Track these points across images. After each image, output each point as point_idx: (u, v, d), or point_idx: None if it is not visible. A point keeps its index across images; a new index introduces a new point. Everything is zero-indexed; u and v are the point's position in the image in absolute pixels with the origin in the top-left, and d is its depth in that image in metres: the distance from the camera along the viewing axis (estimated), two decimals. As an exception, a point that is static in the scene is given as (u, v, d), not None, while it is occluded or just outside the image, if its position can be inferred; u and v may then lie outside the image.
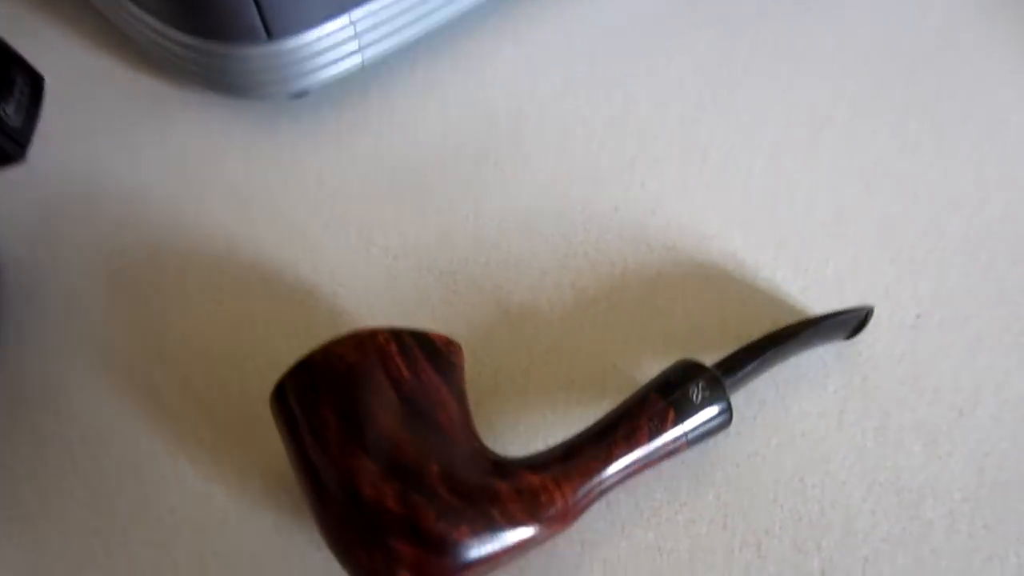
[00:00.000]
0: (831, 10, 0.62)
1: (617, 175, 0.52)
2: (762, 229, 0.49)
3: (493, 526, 0.33)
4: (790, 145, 0.53)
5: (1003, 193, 0.50)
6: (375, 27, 0.53)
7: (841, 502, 0.39)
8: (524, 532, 0.34)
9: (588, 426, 0.38)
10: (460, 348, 0.40)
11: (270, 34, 0.49)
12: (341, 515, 0.33)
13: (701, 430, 0.37)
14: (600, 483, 0.36)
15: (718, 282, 0.47)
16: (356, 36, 0.52)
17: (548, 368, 0.44)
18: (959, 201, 0.50)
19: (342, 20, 0.51)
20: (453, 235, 0.50)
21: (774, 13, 0.61)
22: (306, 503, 0.35)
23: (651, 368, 0.44)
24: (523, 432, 0.42)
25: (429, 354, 0.38)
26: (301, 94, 0.55)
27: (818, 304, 0.46)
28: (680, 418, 0.37)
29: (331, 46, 0.52)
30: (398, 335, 0.38)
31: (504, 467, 0.36)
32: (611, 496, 0.40)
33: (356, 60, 0.54)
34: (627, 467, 0.36)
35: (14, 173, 0.50)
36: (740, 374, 0.40)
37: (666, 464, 0.40)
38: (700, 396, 0.37)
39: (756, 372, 0.41)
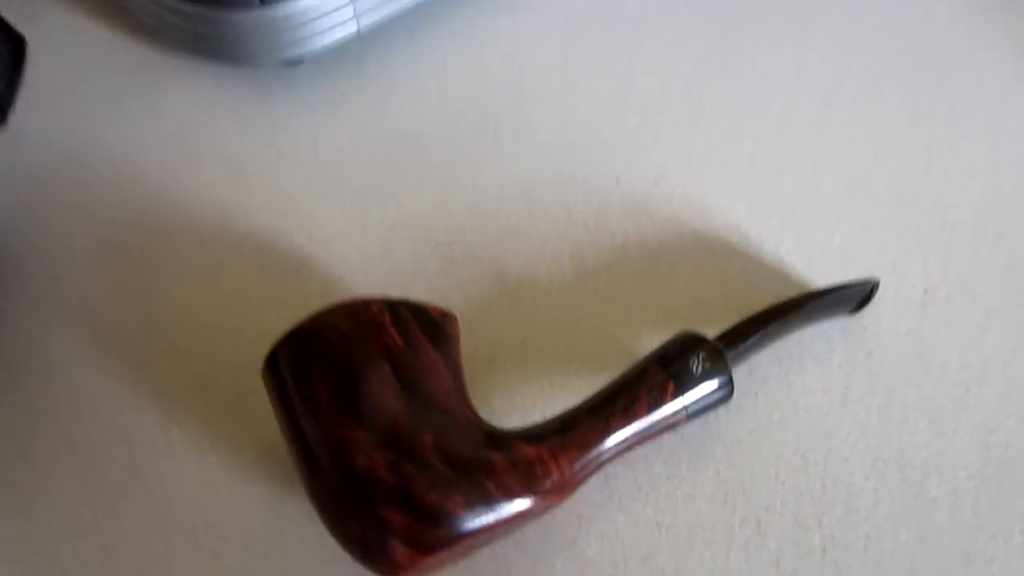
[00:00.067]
0: (840, -21, 0.60)
1: (619, 145, 0.51)
2: (767, 200, 0.48)
3: (487, 498, 0.32)
4: (797, 115, 0.52)
5: (1016, 166, 0.49)
6: (372, -8, 0.51)
7: (843, 479, 0.39)
8: (519, 504, 0.33)
9: (586, 398, 0.37)
10: (456, 319, 0.39)
11: (263, -2, 0.48)
12: (333, 485, 0.33)
13: (701, 403, 0.37)
14: (598, 456, 0.35)
15: (721, 254, 0.46)
16: (352, 2, 0.51)
17: (546, 340, 0.44)
18: (970, 174, 0.49)
19: (338, -16, 0.50)
20: (450, 205, 0.49)
21: (782, -18, 0.60)
22: (298, 474, 0.35)
23: (651, 341, 0.43)
24: (520, 404, 0.42)
25: (424, 325, 0.37)
26: (296, 62, 0.54)
27: (823, 278, 0.45)
28: (680, 391, 0.36)
29: (326, 12, 0.50)
30: (392, 305, 0.37)
31: (500, 439, 0.35)
32: (609, 470, 0.39)
33: (352, 28, 0.52)
34: (625, 440, 0.35)
35: (-1, 140, 0.49)
36: (742, 347, 0.39)
37: (665, 438, 0.39)
38: (701, 368, 0.37)
39: (758, 346, 0.40)
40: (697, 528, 0.38)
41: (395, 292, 0.45)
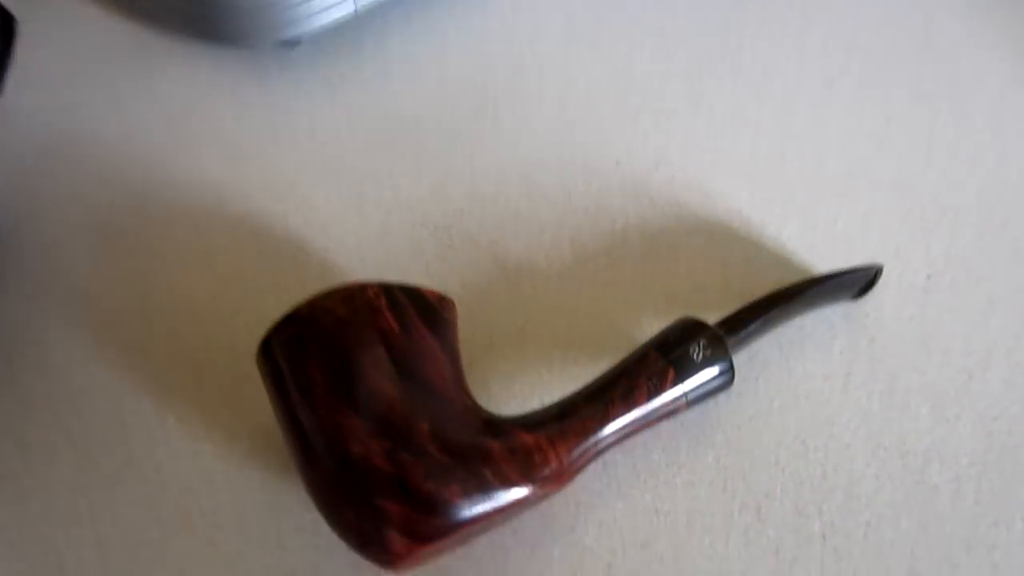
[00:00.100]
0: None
1: (620, 128, 0.50)
2: (769, 185, 0.47)
3: (485, 486, 0.32)
4: (800, 99, 0.51)
5: (1021, 151, 0.49)
6: (369, -28, 0.51)
7: (844, 466, 0.38)
8: (517, 492, 0.33)
9: (585, 385, 0.36)
10: (453, 304, 0.38)
11: (259, -23, 0.47)
12: (328, 473, 0.32)
13: (701, 390, 0.36)
14: (596, 443, 0.35)
15: (722, 239, 0.46)
16: (349, -19, 0.50)
17: (545, 326, 0.43)
18: (975, 158, 0.48)
19: (334, -37, 0.49)
20: (449, 189, 0.48)
21: (786, -39, 0.59)
22: (293, 461, 0.34)
23: (651, 327, 0.42)
24: (518, 391, 0.41)
25: (421, 310, 0.37)
26: (292, 43, 0.53)
27: (825, 263, 0.44)
28: (680, 377, 0.36)
29: (323, -9, 0.50)
30: (388, 290, 0.36)
31: (497, 426, 0.34)
32: (608, 457, 0.39)
33: (349, 7, 0.51)
34: (624, 427, 0.35)
35: (-8, 121, 0.49)
36: (743, 333, 0.38)
37: (665, 425, 0.39)
38: (701, 355, 0.36)
39: (759, 332, 0.40)
40: (696, 515, 0.37)
41: (392, 276, 0.45)
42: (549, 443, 0.34)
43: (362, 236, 0.46)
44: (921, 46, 0.54)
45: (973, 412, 0.40)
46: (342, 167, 0.49)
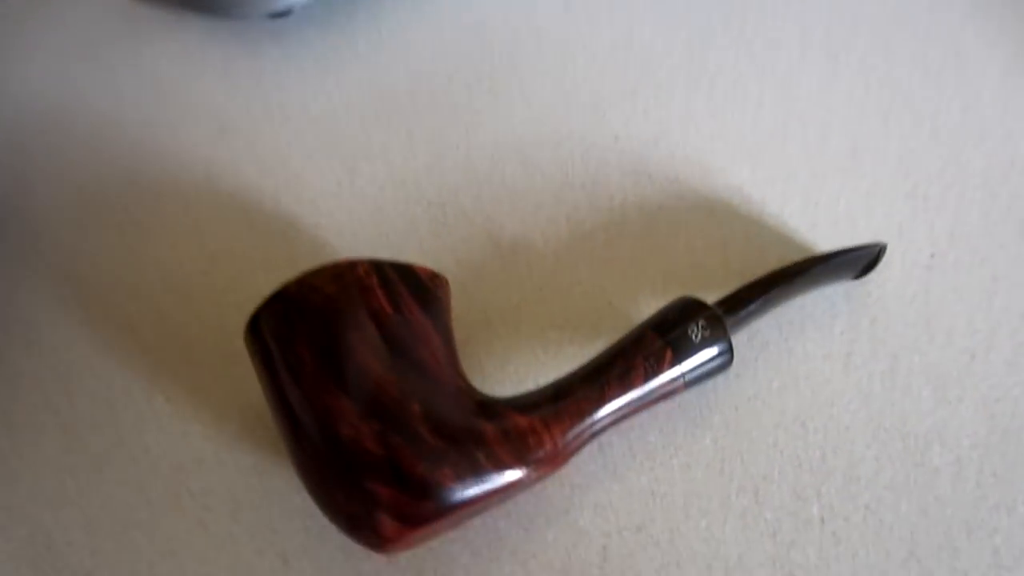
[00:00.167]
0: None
1: (618, 103, 0.49)
2: (770, 162, 0.46)
3: (478, 469, 0.31)
4: (803, 73, 0.50)
5: (1028, 126, 0.48)
6: (362, -60, 0.49)
7: (844, 448, 0.38)
8: (511, 475, 0.32)
9: (581, 365, 0.36)
10: (446, 282, 0.38)
11: (248, -55, 0.46)
12: (318, 456, 0.32)
13: (700, 371, 0.36)
14: (592, 425, 0.34)
15: (722, 217, 0.45)
16: (341, -50, 0.49)
17: (541, 305, 0.42)
18: (981, 135, 0.47)
19: (325, -69, 0.48)
20: (443, 165, 0.47)
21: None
22: (282, 443, 0.34)
23: (649, 306, 0.41)
24: (513, 372, 0.40)
25: (412, 288, 0.36)
26: (283, 13, 0.51)
27: (827, 242, 0.43)
28: (678, 358, 0.35)
29: (315, -40, 0.49)
30: (379, 267, 0.36)
31: (491, 408, 0.34)
32: (603, 439, 0.38)
33: (342, -23, 0.50)
34: (621, 409, 0.34)
35: (-21, 95, 0.48)
36: (742, 313, 0.38)
37: (662, 406, 0.38)
38: (700, 335, 0.35)
39: (760, 311, 0.39)
40: (693, 498, 0.37)
41: (385, 254, 0.44)
42: (543, 425, 0.33)
43: (355, 213, 0.45)
44: (928, 21, 0.52)
45: (975, 394, 0.39)
46: (334, 142, 0.48)
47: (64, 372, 0.42)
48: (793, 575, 0.35)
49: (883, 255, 0.41)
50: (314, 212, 0.46)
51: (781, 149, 0.47)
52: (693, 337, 0.35)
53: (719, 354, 0.36)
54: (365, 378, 0.32)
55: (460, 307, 0.42)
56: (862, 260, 0.41)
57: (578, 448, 0.34)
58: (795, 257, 0.42)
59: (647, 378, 0.35)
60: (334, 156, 0.48)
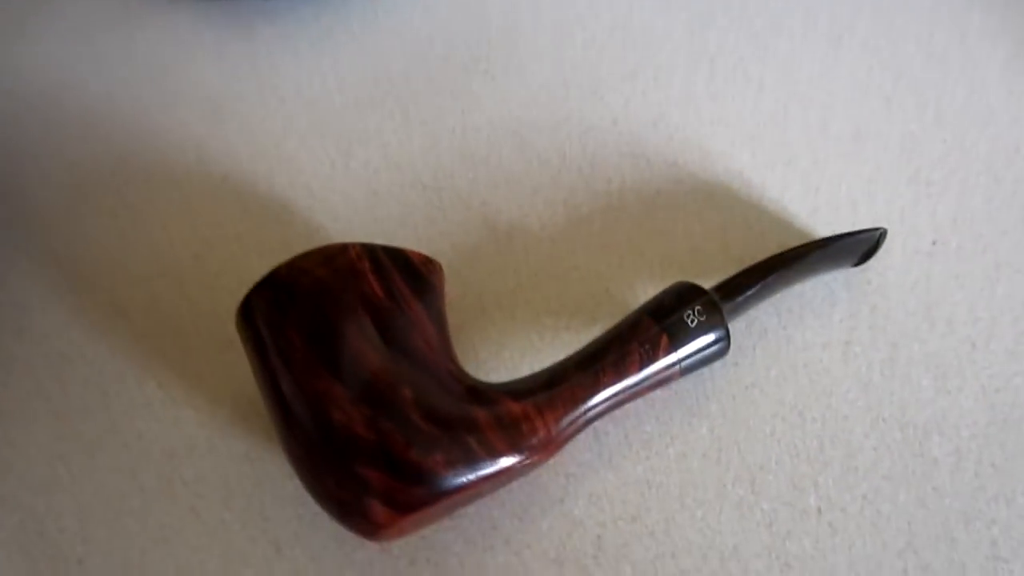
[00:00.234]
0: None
1: (617, 85, 0.48)
2: (771, 145, 0.45)
3: (470, 456, 0.31)
4: (805, 55, 0.49)
5: (1034, 110, 0.47)
6: (356, -82, 0.48)
7: (842, 438, 0.37)
8: (503, 462, 0.32)
9: (575, 351, 0.35)
10: (440, 267, 0.37)
11: (240, -77, 0.45)
12: (309, 442, 0.31)
13: (696, 358, 0.35)
14: (586, 412, 0.33)
15: (722, 201, 0.44)
16: (336, -72, 0.48)
17: (537, 291, 0.42)
18: (986, 119, 0.46)
19: (319, -91, 0.47)
20: (439, 148, 0.46)
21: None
22: (274, 428, 0.33)
23: (646, 292, 0.41)
24: (508, 358, 0.40)
25: (405, 272, 0.35)
26: (278, -7, 0.51)
27: (828, 227, 0.43)
28: (674, 345, 0.34)
29: (309, -61, 0.48)
30: (372, 251, 0.35)
31: (484, 394, 0.33)
32: (598, 427, 0.38)
33: (337, -44, 0.49)
34: (616, 396, 0.34)
35: (-32, 75, 0.47)
36: (740, 299, 0.37)
37: (658, 394, 0.38)
38: (696, 322, 0.35)
39: (758, 298, 0.38)
40: (689, 487, 0.37)
41: (380, 239, 0.43)
42: (537, 412, 0.33)
43: (349, 197, 0.45)
44: (933, 2, 0.51)
45: (976, 383, 0.39)
46: (328, 125, 0.47)
47: (55, 358, 0.41)
48: (789, 566, 0.35)
49: (883, 241, 0.40)
50: (308, 195, 0.45)
51: (782, 133, 0.46)
52: (690, 323, 0.35)
53: (716, 341, 0.35)
54: (356, 363, 0.32)
55: (455, 292, 0.41)
56: (862, 246, 0.40)
57: (572, 435, 0.34)
58: (795, 243, 0.41)
59: (643, 365, 0.34)
60: (328, 138, 0.47)
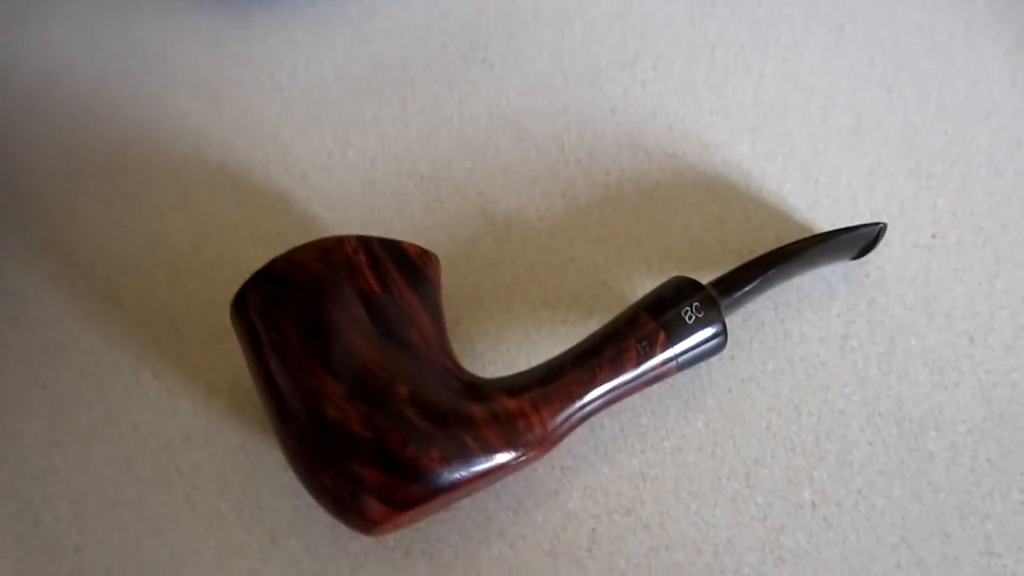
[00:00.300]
0: None
1: (616, 74, 0.48)
2: (771, 137, 0.45)
3: (466, 452, 0.31)
4: (807, 45, 0.48)
5: (1036, 102, 0.46)
6: (353, -97, 0.48)
7: (837, 432, 0.37)
8: (499, 459, 0.32)
9: (572, 346, 0.35)
10: (437, 260, 0.37)
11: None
12: (303, 437, 0.31)
13: (693, 354, 0.35)
14: (582, 408, 0.33)
15: (720, 193, 0.44)
16: (333, -87, 0.47)
17: (534, 283, 0.42)
18: (988, 111, 0.46)
19: None
20: (436, 137, 0.46)
21: None
22: (269, 422, 0.33)
23: (644, 285, 0.41)
24: (505, 352, 0.40)
25: (401, 266, 0.35)
26: (274, -21, 0.50)
27: (827, 221, 0.42)
28: (671, 341, 0.34)
29: (305, -76, 0.47)
30: (368, 244, 0.35)
31: (480, 390, 0.33)
32: (594, 420, 0.38)
33: (334, -59, 0.49)
34: (612, 391, 0.34)
35: (-39, 61, 0.47)
36: (738, 294, 0.37)
37: (654, 388, 0.38)
38: (694, 317, 0.35)
39: (756, 292, 0.38)
40: (684, 481, 0.37)
41: (377, 229, 0.43)
42: (533, 408, 0.32)
43: (346, 186, 0.45)
44: (937, -11, 0.51)
45: (973, 378, 0.38)
46: (325, 113, 0.47)
47: (51, 347, 0.41)
48: (783, 559, 0.35)
49: (883, 235, 0.40)
50: (304, 185, 0.45)
51: (782, 124, 0.46)
52: (687, 319, 0.35)
53: (713, 336, 0.35)
54: (352, 359, 0.32)
55: (452, 284, 0.41)
56: (862, 240, 0.40)
57: (568, 431, 0.34)
58: (794, 236, 0.41)
59: (640, 361, 0.34)
60: (325, 127, 0.47)
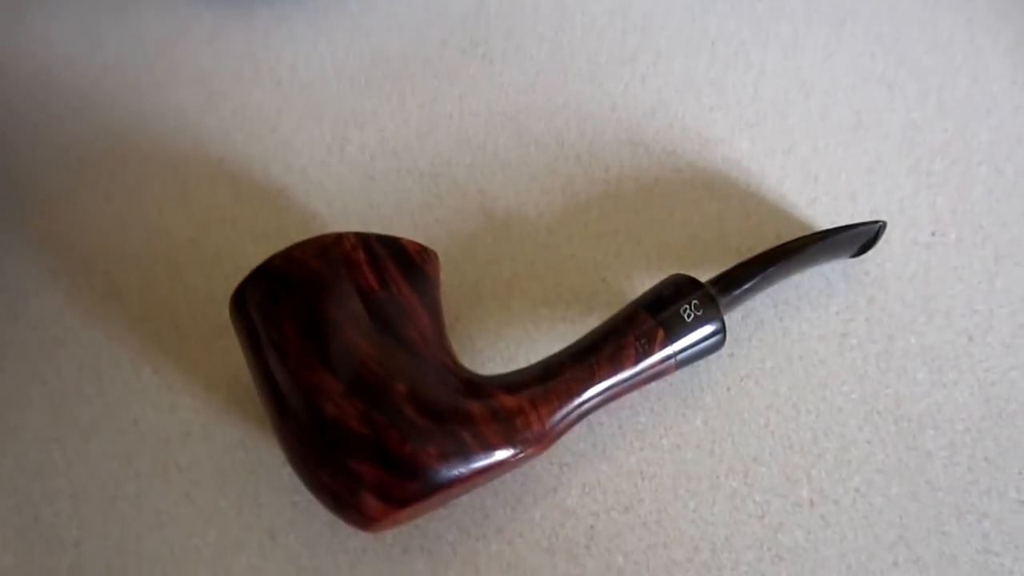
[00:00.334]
0: None
1: (616, 70, 0.47)
2: (771, 134, 0.45)
3: (464, 449, 0.31)
4: (807, 41, 0.48)
5: (1037, 100, 0.46)
6: None
7: (836, 430, 0.37)
8: (497, 456, 0.32)
9: (571, 344, 0.35)
10: (436, 257, 0.37)
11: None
12: (302, 433, 0.32)
13: (692, 351, 0.35)
14: (581, 405, 0.33)
15: (720, 190, 0.44)
16: (332, -93, 0.47)
17: (533, 280, 0.42)
18: (989, 108, 0.46)
19: None
20: (436, 133, 0.46)
21: None
22: (268, 419, 0.34)
23: (643, 283, 0.41)
24: (504, 349, 0.40)
25: (400, 263, 0.35)
26: (274, -27, 0.50)
27: (827, 218, 0.42)
28: (670, 339, 0.34)
29: (305, -82, 0.47)
30: (367, 241, 0.35)
31: (478, 387, 0.33)
32: (593, 418, 0.38)
33: (334, -65, 0.49)
34: (610, 389, 0.34)
35: (-40, 55, 0.47)
36: (737, 292, 0.37)
37: (653, 385, 0.38)
38: (693, 315, 0.35)
39: (755, 290, 0.38)
40: (682, 479, 0.37)
41: (376, 225, 0.43)
42: (531, 405, 0.33)
43: (345, 182, 0.45)
44: (939, -15, 0.51)
45: (971, 376, 0.38)
46: (325, 108, 0.47)
47: (50, 342, 0.41)
48: (780, 557, 0.35)
49: (883, 233, 0.40)
50: (304, 180, 0.45)
51: (782, 120, 0.45)
52: (686, 317, 0.35)
53: (712, 334, 0.35)
54: (350, 356, 0.32)
55: (451, 281, 0.41)
56: (861, 238, 0.40)
57: (566, 429, 0.34)
58: (793, 233, 0.41)
59: (638, 358, 0.34)
60: (325, 122, 0.46)
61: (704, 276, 0.36)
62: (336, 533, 0.36)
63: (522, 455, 0.32)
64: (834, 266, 0.41)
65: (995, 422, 0.37)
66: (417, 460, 0.30)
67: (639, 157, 0.45)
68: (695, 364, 0.38)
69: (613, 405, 0.37)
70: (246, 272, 0.41)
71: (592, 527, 0.36)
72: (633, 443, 0.37)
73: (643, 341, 0.34)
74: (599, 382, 0.34)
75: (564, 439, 0.37)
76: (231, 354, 0.40)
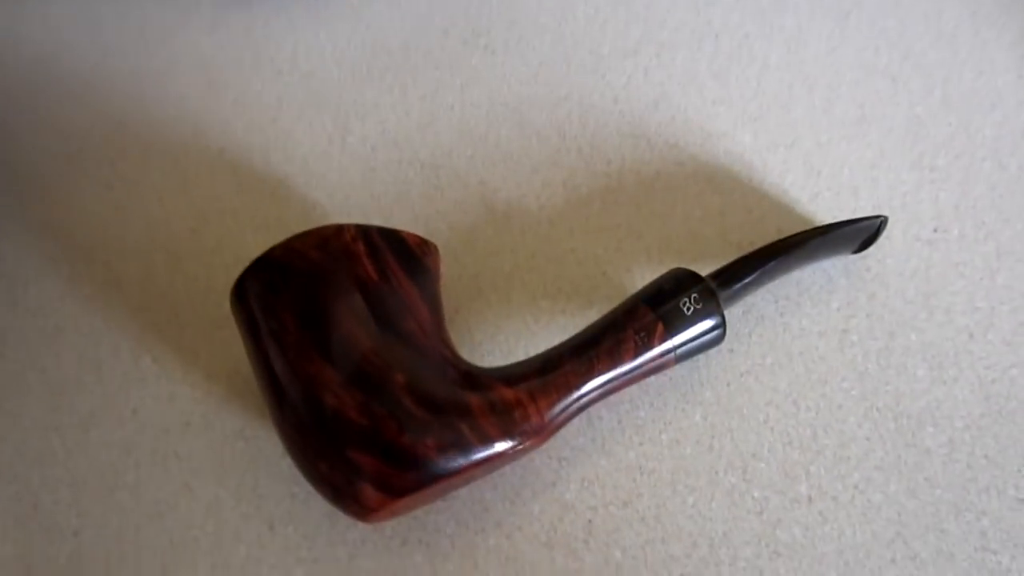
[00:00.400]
0: None
1: (619, 63, 0.47)
2: (773, 128, 0.45)
3: (462, 441, 0.31)
4: (811, 34, 0.48)
5: (1042, 95, 0.46)
6: None
7: (835, 426, 0.37)
8: (495, 448, 0.32)
9: (570, 337, 0.35)
10: (436, 249, 0.37)
11: None
12: (301, 424, 0.32)
13: (691, 346, 0.35)
14: (579, 399, 0.33)
15: (722, 185, 0.43)
16: None
17: (533, 273, 0.41)
18: (993, 102, 0.45)
19: None
20: (437, 125, 0.46)
21: None
22: (267, 409, 0.34)
23: (643, 276, 0.41)
24: (503, 342, 0.40)
25: (400, 255, 0.35)
26: (275, -39, 0.50)
27: (828, 213, 0.42)
28: (670, 333, 0.34)
29: (307, -94, 0.46)
30: (367, 233, 0.35)
31: (477, 379, 0.33)
32: (591, 411, 0.38)
33: (336, -77, 0.48)
34: (609, 383, 0.34)
35: (-40, 42, 0.46)
36: (738, 286, 0.37)
37: (652, 380, 0.38)
38: (692, 309, 0.35)
39: (756, 285, 0.38)
40: (681, 474, 0.37)
41: (377, 216, 0.43)
42: (530, 398, 0.33)
43: (346, 173, 0.44)
44: (945, -21, 0.50)
45: (972, 374, 0.38)
46: (325, 98, 0.47)
47: (50, 330, 0.41)
48: (778, 553, 0.35)
49: (884, 229, 0.40)
50: (304, 171, 0.45)
51: (785, 114, 0.45)
52: (686, 311, 0.35)
53: (712, 329, 0.35)
54: (349, 347, 0.32)
55: (451, 273, 0.41)
56: (863, 234, 0.40)
57: (565, 422, 0.34)
58: (794, 228, 0.41)
59: (638, 352, 0.34)
60: (325, 112, 0.46)
61: (705, 271, 0.36)
62: (335, 524, 0.36)
63: (520, 448, 0.32)
64: (835, 262, 0.41)
65: (995, 420, 0.37)
66: (415, 451, 0.30)
67: (641, 150, 0.44)
68: (695, 359, 0.38)
69: (612, 399, 0.37)
70: (246, 262, 0.41)
71: (590, 521, 0.36)
72: (632, 438, 0.37)
73: (642, 335, 0.34)
74: (598, 375, 0.34)
75: (563, 433, 0.37)
76: (231, 344, 0.40)
